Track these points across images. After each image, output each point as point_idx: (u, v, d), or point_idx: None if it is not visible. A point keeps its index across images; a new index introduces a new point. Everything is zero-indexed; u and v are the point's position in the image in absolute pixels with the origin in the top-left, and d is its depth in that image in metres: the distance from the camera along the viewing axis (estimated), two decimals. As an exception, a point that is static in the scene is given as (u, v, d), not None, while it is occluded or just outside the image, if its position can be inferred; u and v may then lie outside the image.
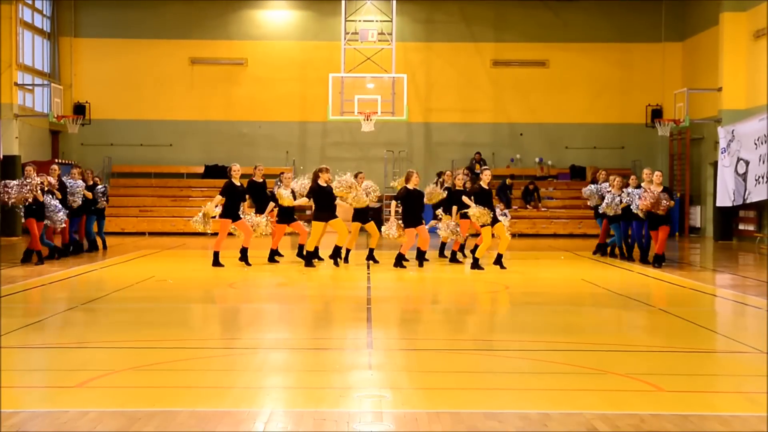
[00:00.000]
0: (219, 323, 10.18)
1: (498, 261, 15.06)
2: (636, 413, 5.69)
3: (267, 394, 6.33)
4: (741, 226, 23.58)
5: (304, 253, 15.38)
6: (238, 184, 15.20)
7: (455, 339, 8.98)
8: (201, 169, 27.46)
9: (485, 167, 16.25)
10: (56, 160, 24.66)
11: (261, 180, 16.25)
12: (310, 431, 5.35)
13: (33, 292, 12.06)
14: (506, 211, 25.98)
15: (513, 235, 24.96)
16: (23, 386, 6.54)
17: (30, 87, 25.14)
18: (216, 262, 14.96)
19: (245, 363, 7.54)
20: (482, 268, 14.70)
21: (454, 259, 15.96)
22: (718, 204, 22.57)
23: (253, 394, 6.36)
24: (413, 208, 15.11)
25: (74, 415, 5.56)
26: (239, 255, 15.36)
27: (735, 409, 5.93)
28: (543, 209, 26.75)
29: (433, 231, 15.98)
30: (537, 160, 28.06)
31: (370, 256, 15.92)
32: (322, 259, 15.86)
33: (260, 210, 15.93)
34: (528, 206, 26.43)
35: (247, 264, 15.15)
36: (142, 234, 24.82)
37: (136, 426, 5.35)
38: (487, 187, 15.00)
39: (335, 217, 15.19)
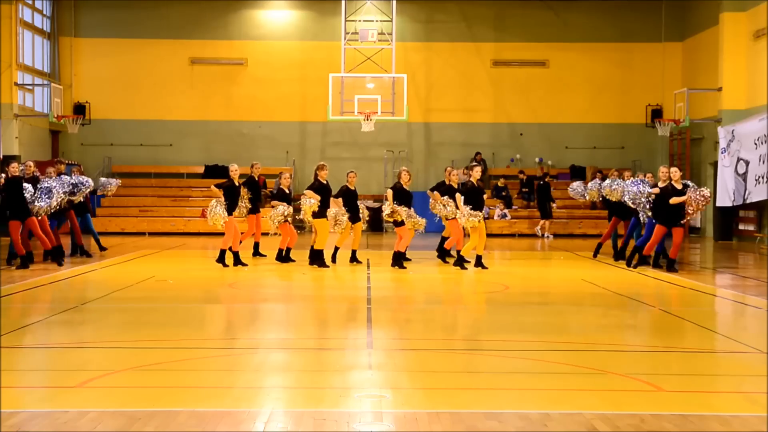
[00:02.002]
0: (219, 323, 10.18)
1: (478, 262, 14.95)
2: (636, 413, 5.69)
3: (267, 394, 6.33)
4: (741, 226, 23.58)
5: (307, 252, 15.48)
6: (237, 183, 15.30)
7: (455, 339, 8.99)
8: (201, 169, 27.47)
9: (474, 164, 16.01)
10: (55, 160, 24.64)
11: (258, 177, 16.61)
12: (310, 431, 5.35)
13: (33, 292, 12.06)
14: (506, 211, 26.17)
15: (513, 235, 25.27)
16: (23, 386, 6.54)
17: (30, 87, 25.14)
18: (236, 260, 15.12)
19: (245, 363, 7.54)
20: (466, 268, 14.72)
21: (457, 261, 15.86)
22: (718, 204, 22.57)
23: (253, 394, 6.36)
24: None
25: (74, 415, 5.56)
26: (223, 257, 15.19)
27: (735, 409, 5.93)
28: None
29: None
30: (537, 160, 28.07)
31: (353, 258, 15.78)
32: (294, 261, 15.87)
33: (255, 208, 16.30)
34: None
35: (225, 266, 15.00)
36: (142, 234, 24.81)
37: (136, 426, 5.35)
38: (476, 185, 14.95)
39: (325, 216, 15.19)
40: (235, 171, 15.27)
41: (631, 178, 15.90)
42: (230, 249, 15.13)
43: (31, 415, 5.59)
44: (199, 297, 12.28)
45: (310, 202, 14.94)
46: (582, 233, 25.57)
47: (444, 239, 16.24)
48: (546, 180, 25.25)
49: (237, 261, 15.14)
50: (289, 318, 10.36)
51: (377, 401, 6.02)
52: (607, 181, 16.54)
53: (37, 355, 7.85)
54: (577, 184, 18.41)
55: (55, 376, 6.99)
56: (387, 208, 15.00)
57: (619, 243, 16.88)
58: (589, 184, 17.78)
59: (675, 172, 14.70)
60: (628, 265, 15.22)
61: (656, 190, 14.78)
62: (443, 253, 16.13)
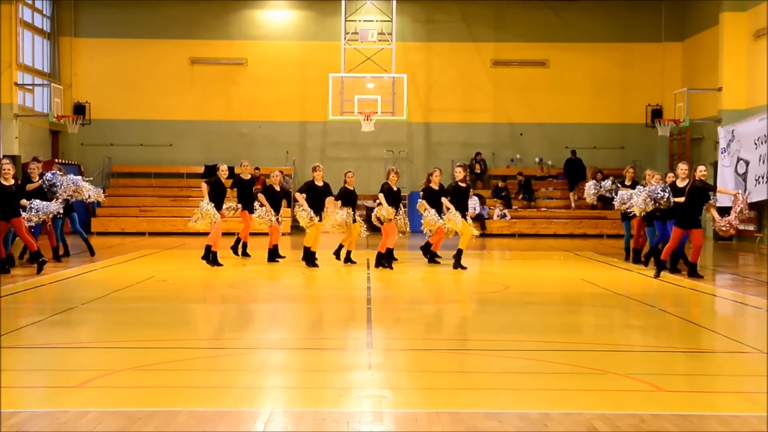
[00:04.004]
0: (219, 323, 10.18)
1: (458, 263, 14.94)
2: (636, 413, 5.69)
3: (267, 394, 6.33)
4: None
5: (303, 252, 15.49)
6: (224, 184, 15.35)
7: (455, 339, 8.98)
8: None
9: (458, 164, 15.73)
10: (56, 160, 24.66)
11: (248, 177, 16.59)
12: (310, 431, 5.35)
13: (33, 292, 12.06)
14: (506, 211, 26.18)
15: (513, 235, 25.29)
16: (23, 386, 6.53)
17: (30, 87, 25.14)
18: (214, 260, 15.07)
19: (245, 363, 7.54)
20: (465, 267, 14.69)
21: (432, 260, 15.75)
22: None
23: (253, 394, 6.36)
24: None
25: (74, 415, 5.56)
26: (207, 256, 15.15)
27: (735, 409, 5.93)
28: (543, 209, 26.76)
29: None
30: (537, 160, 28.07)
31: (348, 258, 15.66)
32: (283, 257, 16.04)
33: (245, 207, 16.36)
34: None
35: (219, 264, 15.07)
36: (142, 234, 24.81)
37: (136, 426, 5.35)
38: (464, 185, 14.94)
39: (320, 218, 15.13)
40: (224, 171, 15.32)
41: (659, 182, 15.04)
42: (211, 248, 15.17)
43: (31, 415, 5.58)
44: (199, 297, 12.29)
45: (301, 207, 15.03)
46: (582, 233, 25.59)
47: (429, 243, 16.04)
48: (577, 156, 26.82)
49: (214, 260, 15.08)
50: (289, 318, 10.36)
51: (377, 401, 6.02)
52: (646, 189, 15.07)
53: (37, 355, 7.85)
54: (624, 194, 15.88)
55: (55, 376, 6.98)
56: (382, 210, 14.97)
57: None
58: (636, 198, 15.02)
59: (701, 171, 13.82)
60: (646, 265, 15.08)
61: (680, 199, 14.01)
62: (432, 256, 15.88)
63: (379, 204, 15.07)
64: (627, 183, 16.77)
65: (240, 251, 16.91)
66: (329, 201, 15.45)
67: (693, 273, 13.75)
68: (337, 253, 15.78)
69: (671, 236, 13.93)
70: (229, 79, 27.83)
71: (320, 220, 15.14)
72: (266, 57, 27.83)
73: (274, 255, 16.12)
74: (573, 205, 26.90)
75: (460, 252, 14.84)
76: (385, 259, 14.91)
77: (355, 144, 27.58)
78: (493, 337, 9.10)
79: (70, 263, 15.66)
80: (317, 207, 15.07)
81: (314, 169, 15.33)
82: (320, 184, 15.19)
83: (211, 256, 15.06)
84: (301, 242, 15.79)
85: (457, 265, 14.74)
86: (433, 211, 15.03)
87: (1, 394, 5.99)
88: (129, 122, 27.60)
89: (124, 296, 11.69)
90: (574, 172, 27.06)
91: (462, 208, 14.89)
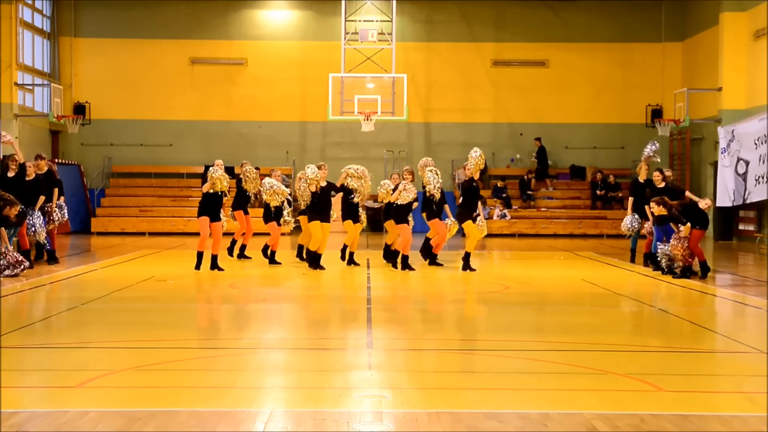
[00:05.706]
0: (219, 323, 10.18)
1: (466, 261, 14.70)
2: (636, 413, 5.69)
3: (267, 394, 6.33)
4: (741, 226, 23.58)
5: (304, 253, 15.43)
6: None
7: (455, 339, 8.98)
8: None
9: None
10: (56, 160, 24.66)
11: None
12: (310, 431, 5.35)
13: (33, 292, 12.06)
14: (506, 211, 26.19)
15: (513, 235, 25.29)
16: (23, 386, 6.53)
17: (30, 87, 25.13)
18: (200, 263, 14.51)
19: (245, 363, 7.55)
20: (474, 269, 14.57)
21: (433, 262, 15.44)
22: (718, 204, 22.56)
23: (253, 394, 6.36)
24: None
25: (74, 415, 5.56)
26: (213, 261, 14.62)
27: (735, 409, 5.93)
28: (543, 209, 26.77)
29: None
30: (533, 158, 28.01)
31: (351, 260, 15.47)
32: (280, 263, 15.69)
33: (244, 208, 16.24)
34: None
35: (219, 269, 14.50)
36: (142, 234, 24.81)
37: (136, 426, 5.35)
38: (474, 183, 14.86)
39: (327, 219, 14.89)
40: (220, 165, 14.99)
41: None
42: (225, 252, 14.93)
43: (31, 415, 5.58)
44: (199, 297, 12.29)
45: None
46: (582, 233, 25.59)
47: (428, 239, 15.72)
48: (542, 144, 27.23)
49: (214, 265, 14.55)
50: (289, 318, 10.36)
51: (377, 401, 6.02)
52: None
53: (37, 355, 7.85)
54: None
55: (55, 376, 6.98)
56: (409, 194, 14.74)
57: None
58: None
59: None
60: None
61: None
62: (432, 257, 15.52)
63: (405, 191, 14.65)
64: (641, 180, 16.47)
65: (236, 253, 16.57)
66: (335, 201, 15.36)
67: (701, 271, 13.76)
68: (343, 256, 15.66)
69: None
70: (229, 79, 27.82)
71: (326, 221, 14.93)
72: (266, 57, 27.82)
73: (272, 258, 15.83)
74: (550, 188, 27.40)
75: (467, 255, 14.71)
76: (409, 261, 14.71)
77: (355, 144, 27.57)
78: (493, 337, 9.10)
79: (69, 263, 15.66)
80: (324, 207, 14.86)
81: (318, 168, 15.10)
82: (324, 183, 15.03)
83: (201, 259, 14.66)
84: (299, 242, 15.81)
85: (466, 267, 14.63)
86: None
87: (1, 394, 6.00)
88: (129, 122, 27.59)
89: (124, 296, 11.69)
90: (542, 160, 27.42)
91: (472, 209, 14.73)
